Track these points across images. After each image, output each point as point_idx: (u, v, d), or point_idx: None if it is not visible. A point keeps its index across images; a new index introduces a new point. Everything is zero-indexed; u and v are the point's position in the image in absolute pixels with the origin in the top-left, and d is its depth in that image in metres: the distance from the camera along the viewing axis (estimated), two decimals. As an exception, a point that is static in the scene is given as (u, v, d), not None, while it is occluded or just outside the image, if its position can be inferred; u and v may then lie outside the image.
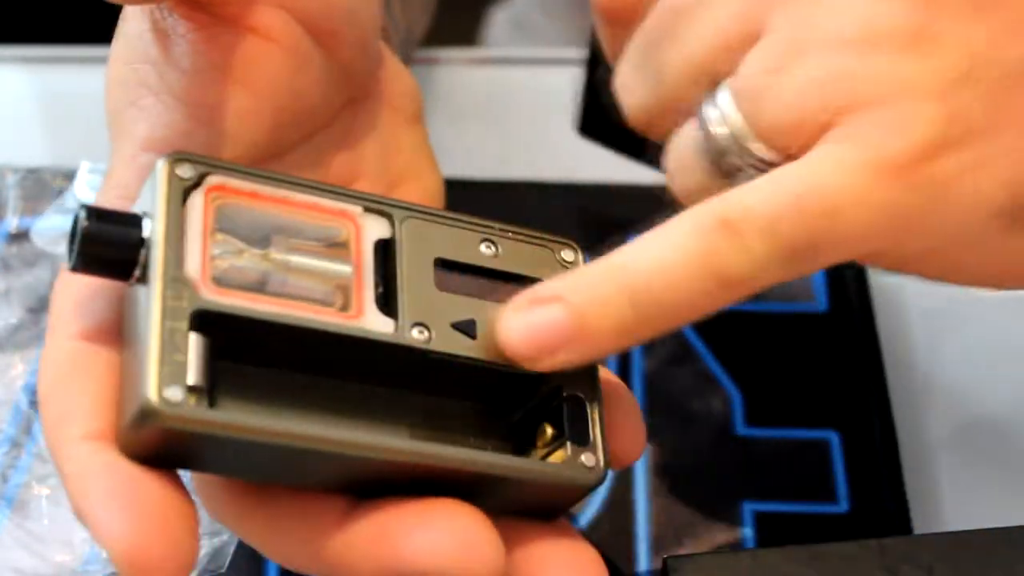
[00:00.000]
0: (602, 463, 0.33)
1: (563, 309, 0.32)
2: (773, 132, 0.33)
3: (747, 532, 0.44)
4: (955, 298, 0.51)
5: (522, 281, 0.35)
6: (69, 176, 0.54)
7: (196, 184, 0.32)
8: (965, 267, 0.34)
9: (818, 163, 0.31)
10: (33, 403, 0.46)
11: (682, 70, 0.34)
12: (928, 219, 0.32)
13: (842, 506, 0.44)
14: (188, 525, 0.30)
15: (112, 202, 0.34)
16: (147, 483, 0.30)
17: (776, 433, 0.46)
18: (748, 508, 0.44)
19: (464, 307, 0.34)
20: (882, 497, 0.44)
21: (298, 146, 0.37)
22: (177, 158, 0.32)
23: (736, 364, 0.48)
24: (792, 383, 0.48)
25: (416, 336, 0.33)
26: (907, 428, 0.46)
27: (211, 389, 0.30)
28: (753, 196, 0.32)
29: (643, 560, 0.43)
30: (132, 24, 0.35)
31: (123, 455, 0.30)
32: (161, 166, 0.31)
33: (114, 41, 0.36)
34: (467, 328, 0.33)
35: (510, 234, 0.35)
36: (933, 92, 0.31)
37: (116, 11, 0.36)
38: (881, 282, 0.51)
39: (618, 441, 0.34)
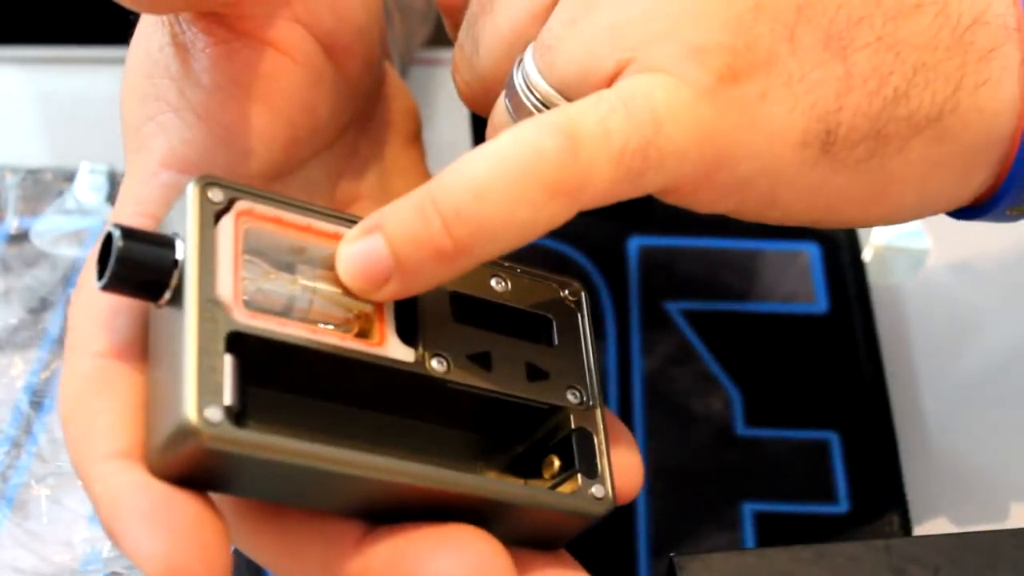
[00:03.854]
0: (611, 494, 0.34)
1: (382, 239, 0.31)
2: (569, 80, 0.32)
3: (747, 532, 0.44)
4: (955, 298, 0.51)
5: (531, 318, 0.35)
6: (69, 177, 0.54)
7: (226, 208, 0.32)
8: (781, 201, 0.33)
9: (633, 83, 0.31)
10: (33, 403, 0.46)
11: (496, 43, 0.35)
12: (737, 143, 0.32)
13: (842, 506, 0.44)
14: (222, 541, 0.30)
15: (131, 218, 0.33)
16: (180, 501, 0.30)
17: (776, 433, 0.46)
18: (748, 508, 0.44)
19: (479, 340, 0.34)
20: (882, 497, 0.44)
21: (305, 164, 0.37)
22: (207, 182, 0.32)
23: (736, 364, 0.48)
24: (792, 383, 0.48)
25: (436, 366, 0.33)
26: (907, 428, 0.47)
27: (241, 411, 0.31)
28: (580, 105, 0.31)
29: (643, 560, 0.43)
30: (151, 37, 0.35)
31: (151, 475, 0.30)
32: (192, 189, 0.31)
33: (130, 52, 0.36)
34: (483, 360, 0.34)
35: (517, 270, 0.36)
36: (723, 23, 0.31)
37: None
38: (881, 282, 0.51)
39: (618, 477, 0.34)
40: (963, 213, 0.36)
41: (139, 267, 0.31)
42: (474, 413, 0.35)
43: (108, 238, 0.31)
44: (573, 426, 0.34)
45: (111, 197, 0.53)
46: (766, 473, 0.45)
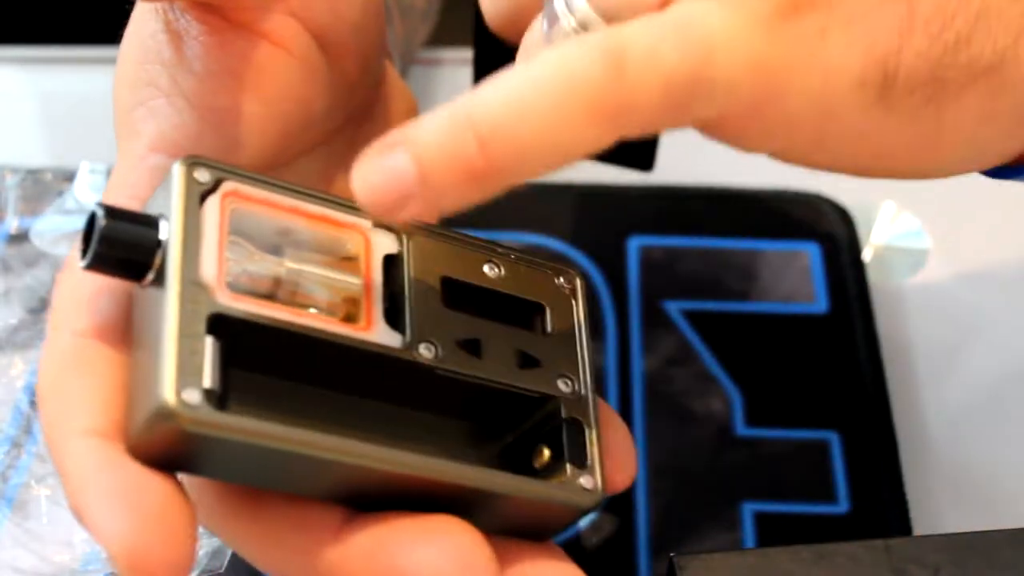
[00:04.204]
0: (600, 486, 0.33)
1: (406, 155, 0.29)
2: (617, 5, 0.31)
3: (747, 532, 0.44)
4: (955, 298, 0.51)
5: (524, 304, 0.35)
6: (69, 177, 0.54)
7: (212, 189, 0.32)
8: (830, 144, 0.32)
9: (687, 8, 0.30)
10: (33, 403, 0.46)
11: None
12: (791, 79, 0.31)
13: (842, 506, 0.44)
14: (188, 526, 0.30)
15: (120, 201, 0.33)
16: (148, 482, 0.30)
17: (776, 433, 0.46)
18: (748, 508, 0.44)
19: (470, 326, 0.34)
20: (882, 497, 0.44)
21: (300, 159, 0.37)
22: (193, 162, 0.31)
23: (736, 364, 0.48)
24: (792, 383, 0.48)
25: (424, 353, 0.33)
26: (907, 428, 0.47)
27: (223, 394, 0.30)
28: (631, 27, 0.29)
29: (643, 560, 0.43)
30: (145, 24, 0.35)
31: (127, 454, 0.30)
32: (178, 169, 0.31)
33: (124, 39, 0.36)
34: (473, 347, 0.34)
35: (512, 256, 0.35)
36: None
37: (117, 12, 0.36)
38: (881, 282, 0.51)
39: (610, 468, 0.34)
40: (1001, 172, 0.35)
41: (122, 246, 0.30)
42: (463, 400, 0.34)
43: (92, 217, 0.31)
44: (564, 416, 0.34)
45: (111, 197, 0.53)
46: (766, 473, 0.45)
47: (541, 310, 0.35)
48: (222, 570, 0.41)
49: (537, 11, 0.33)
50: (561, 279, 0.36)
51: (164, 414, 0.29)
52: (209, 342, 0.30)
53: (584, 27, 0.31)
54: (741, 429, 0.46)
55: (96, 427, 0.30)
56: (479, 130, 0.28)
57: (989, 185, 0.35)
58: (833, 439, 0.46)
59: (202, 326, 0.30)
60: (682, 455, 0.46)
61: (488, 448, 0.35)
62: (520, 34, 0.34)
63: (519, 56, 0.34)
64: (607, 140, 0.29)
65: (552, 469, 0.34)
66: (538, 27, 0.33)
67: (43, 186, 0.54)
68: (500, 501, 0.32)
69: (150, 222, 0.31)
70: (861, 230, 0.52)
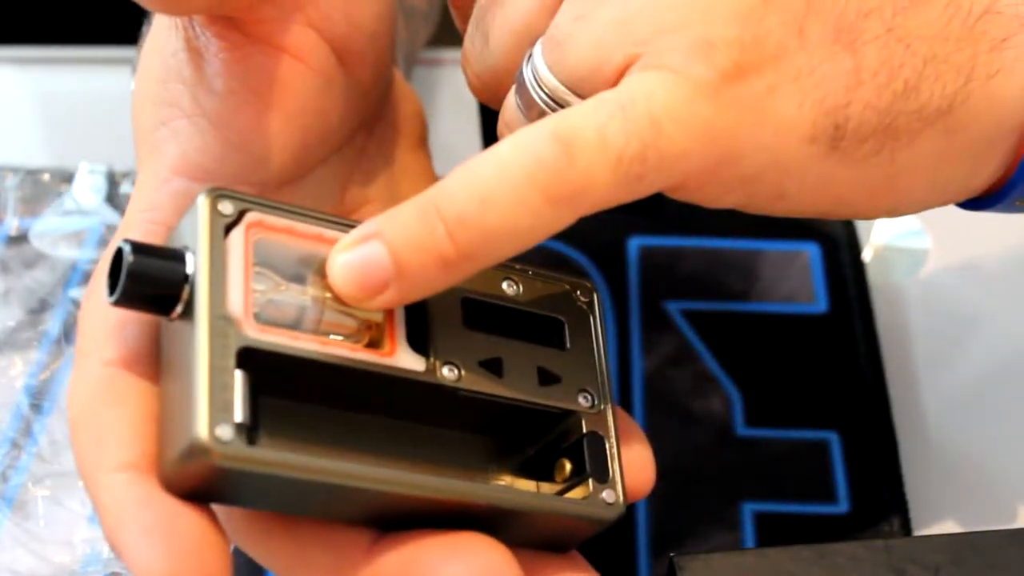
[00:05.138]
0: (621, 499, 0.34)
1: (382, 246, 0.31)
2: (577, 76, 0.32)
3: (747, 532, 0.44)
4: (955, 298, 0.51)
5: (544, 320, 0.35)
6: (68, 178, 0.54)
7: (236, 220, 0.32)
8: (790, 195, 0.33)
9: (634, 84, 0.31)
10: (33, 404, 0.46)
11: (506, 35, 0.34)
12: (743, 140, 0.31)
13: (842, 506, 0.44)
14: (222, 559, 0.30)
15: (141, 224, 0.34)
16: (183, 517, 0.30)
17: (776, 433, 0.46)
18: (748, 508, 0.44)
19: (490, 345, 0.34)
20: (882, 497, 0.44)
21: (315, 169, 0.37)
22: (218, 194, 0.32)
23: (736, 364, 0.48)
24: (792, 383, 0.48)
25: (447, 375, 0.33)
26: (907, 428, 0.47)
27: (254, 422, 0.31)
28: (580, 111, 0.31)
29: (643, 560, 0.43)
30: (166, 41, 0.35)
31: (161, 488, 0.31)
32: (202, 202, 0.31)
33: (143, 56, 0.36)
34: (494, 366, 0.34)
35: (530, 272, 0.36)
36: (732, 16, 0.31)
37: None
38: (881, 282, 0.51)
39: (629, 476, 0.35)
40: (972, 204, 0.36)
41: (150, 282, 0.31)
42: (486, 417, 0.35)
43: (119, 253, 0.31)
44: (584, 430, 0.34)
45: (110, 198, 0.53)
46: (766, 473, 0.45)
47: (560, 325, 0.36)
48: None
49: (512, 80, 0.34)
50: (577, 292, 0.36)
51: (197, 450, 0.29)
52: (239, 376, 0.30)
53: (553, 98, 0.33)
54: (741, 429, 0.46)
55: (129, 460, 0.31)
56: (447, 219, 0.30)
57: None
58: (833, 439, 0.46)
59: (231, 360, 0.30)
60: (682, 455, 0.46)
61: (510, 461, 0.36)
62: (496, 102, 0.35)
63: (499, 127, 0.35)
64: (568, 221, 0.31)
65: (574, 483, 0.34)
66: (512, 99, 0.34)
67: (42, 187, 0.54)
68: (525, 517, 0.33)
69: (176, 256, 0.31)
70: (861, 230, 0.52)
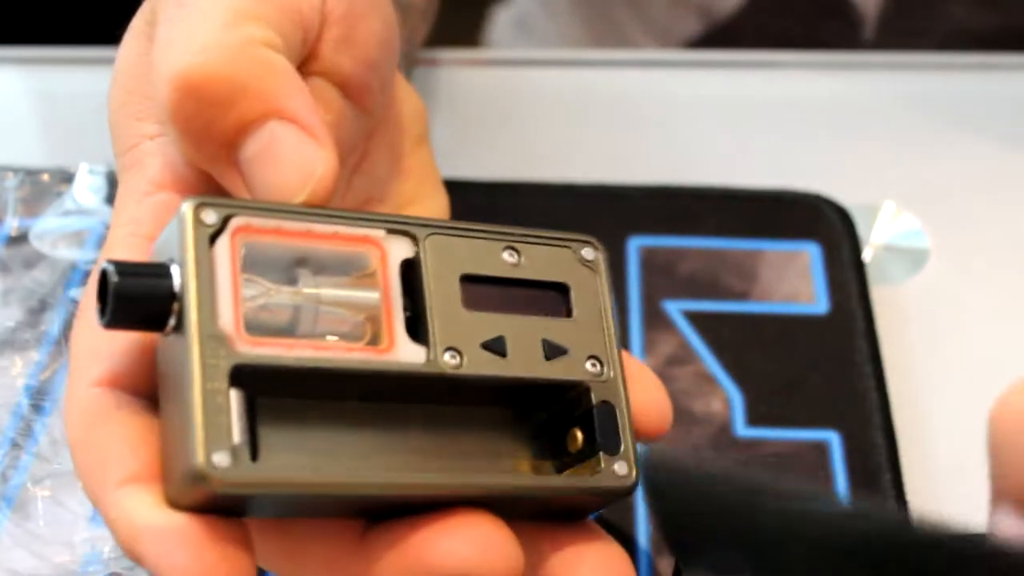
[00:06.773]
0: (633, 471, 0.34)
1: None
2: None
3: (747, 532, 0.44)
4: (955, 298, 0.51)
5: (547, 287, 0.35)
6: (68, 178, 0.54)
7: (221, 228, 0.31)
8: None
9: None
10: (33, 405, 0.46)
11: None
12: None
13: (842, 506, 0.44)
14: (244, 548, 0.30)
15: (125, 239, 0.33)
16: (194, 516, 0.30)
17: (776, 433, 0.46)
18: (748, 508, 0.44)
19: (493, 325, 0.34)
20: (882, 497, 0.44)
21: None
22: (200, 203, 0.31)
23: (736, 364, 0.48)
24: (792, 383, 0.47)
25: (448, 361, 0.33)
26: (907, 428, 0.47)
27: (253, 435, 0.31)
28: None
29: (643, 560, 0.43)
30: (141, 54, 0.35)
31: (169, 504, 0.31)
32: (185, 215, 0.31)
33: (118, 66, 0.35)
34: (497, 347, 0.34)
35: (530, 239, 0.35)
36: None
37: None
38: (881, 282, 0.51)
39: (644, 418, 0.35)
40: None
41: (138, 302, 0.31)
42: (494, 394, 0.35)
43: (104, 276, 0.31)
44: (594, 400, 0.34)
45: (110, 198, 0.53)
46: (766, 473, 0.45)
47: (565, 289, 0.35)
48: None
49: None
50: (582, 252, 0.36)
51: (196, 477, 0.30)
52: (234, 396, 0.30)
53: None
54: (741, 429, 0.46)
55: (130, 474, 0.31)
56: None
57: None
58: (833, 439, 0.46)
59: (225, 382, 0.30)
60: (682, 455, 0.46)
61: (522, 427, 0.35)
62: None
63: None
64: None
65: (586, 453, 0.34)
66: None
67: (42, 187, 0.53)
68: (531, 500, 0.33)
69: (161, 271, 0.31)
70: (861, 230, 0.52)
